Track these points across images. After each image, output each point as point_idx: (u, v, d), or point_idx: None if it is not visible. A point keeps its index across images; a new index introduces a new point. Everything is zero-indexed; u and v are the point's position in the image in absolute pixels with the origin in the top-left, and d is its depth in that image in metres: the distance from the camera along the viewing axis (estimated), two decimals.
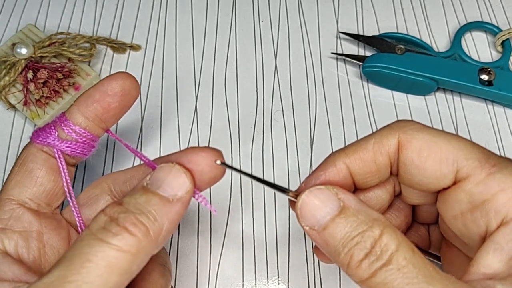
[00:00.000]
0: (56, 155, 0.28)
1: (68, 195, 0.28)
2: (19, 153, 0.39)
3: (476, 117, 0.41)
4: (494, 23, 0.45)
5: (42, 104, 0.39)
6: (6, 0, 0.46)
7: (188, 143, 0.40)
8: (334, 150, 0.39)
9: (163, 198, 0.23)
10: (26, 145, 0.29)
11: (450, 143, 0.24)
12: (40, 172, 0.28)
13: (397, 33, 0.44)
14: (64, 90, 0.40)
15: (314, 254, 0.29)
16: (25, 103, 0.39)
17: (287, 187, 0.38)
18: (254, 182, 0.38)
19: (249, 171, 0.25)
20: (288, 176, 0.38)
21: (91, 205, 0.29)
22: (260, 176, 0.25)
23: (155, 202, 0.23)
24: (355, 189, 0.27)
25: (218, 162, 0.24)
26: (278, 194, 0.37)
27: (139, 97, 0.42)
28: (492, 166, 0.23)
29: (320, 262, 0.35)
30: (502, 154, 0.39)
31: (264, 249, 0.36)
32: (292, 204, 0.26)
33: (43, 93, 0.39)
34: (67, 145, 0.28)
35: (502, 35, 0.43)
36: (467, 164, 0.24)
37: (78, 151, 0.29)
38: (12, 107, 0.40)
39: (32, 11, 0.46)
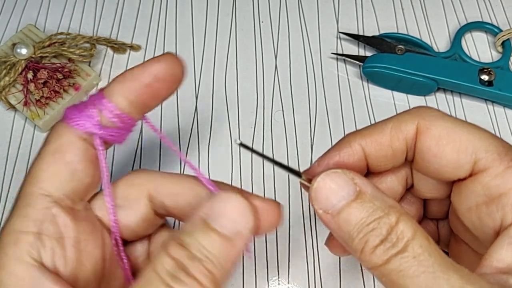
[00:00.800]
0: (98, 145, 0.24)
1: (107, 198, 0.25)
2: (19, 154, 0.39)
3: (476, 117, 0.41)
4: (494, 23, 0.45)
5: (42, 105, 0.39)
6: (6, 0, 0.46)
7: (188, 143, 0.40)
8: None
9: (226, 239, 0.22)
10: (59, 127, 0.25)
11: (470, 133, 0.24)
12: (80, 166, 0.24)
13: (397, 33, 0.44)
14: (64, 91, 0.40)
15: (326, 247, 0.28)
16: (25, 104, 0.39)
17: (288, 187, 0.38)
18: (254, 181, 0.38)
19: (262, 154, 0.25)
20: (288, 176, 0.38)
21: (127, 209, 0.26)
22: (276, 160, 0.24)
23: (219, 245, 0.21)
24: (368, 172, 0.27)
25: (238, 141, 0.23)
26: (278, 192, 0.37)
27: None
28: (511, 160, 0.23)
29: (321, 262, 0.35)
30: None
31: (264, 249, 0.35)
32: (305, 187, 0.25)
33: (43, 93, 0.39)
34: (110, 133, 0.24)
35: (502, 35, 0.43)
36: (486, 156, 0.23)
37: (119, 139, 0.25)
38: (12, 107, 0.40)
39: (32, 11, 0.46)
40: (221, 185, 0.26)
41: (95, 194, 0.26)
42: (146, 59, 0.43)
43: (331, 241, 0.28)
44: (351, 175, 0.23)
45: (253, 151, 0.24)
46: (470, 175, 0.24)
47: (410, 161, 0.26)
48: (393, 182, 0.28)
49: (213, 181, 0.25)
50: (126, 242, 0.28)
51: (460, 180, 0.24)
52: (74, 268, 0.23)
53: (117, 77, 0.25)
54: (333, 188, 0.23)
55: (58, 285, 0.22)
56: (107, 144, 0.26)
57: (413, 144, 0.25)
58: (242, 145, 0.23)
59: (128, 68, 0.43)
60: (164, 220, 0.29)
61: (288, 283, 0.35)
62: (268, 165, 0.39)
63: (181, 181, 0.26)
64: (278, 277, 0.35)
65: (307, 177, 0.25)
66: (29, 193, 0.24)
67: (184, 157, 0.26)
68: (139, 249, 0.28)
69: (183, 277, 0.20)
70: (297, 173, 0.25)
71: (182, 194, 0.26)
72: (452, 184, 0.26)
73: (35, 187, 0.23)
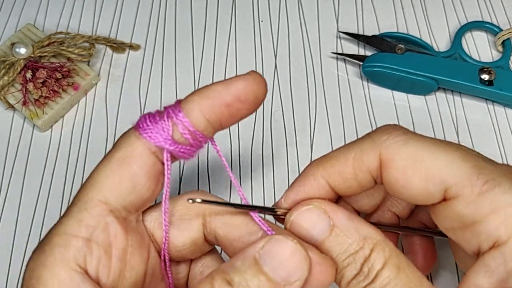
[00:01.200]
0: (165, 161, 0.23)
1: (163, 215, 0.24)
2: (17, 153, 0.39)
3: (476, 117, 0.41)
4: (495, 22, 0.45)
5: (41, 104, 0.39)
6: (5, 0, 0.46)
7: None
8: (333, 149, 0.39)
9: (275, 285, 0.20)
10: (130, 135, 0.24)
11: (437, 159, 0.22)
12: (144, 180, 0.23)
13: (397, 32, 0.44)
14: (63, 90, 0.40)
15: None
16: (24, 103, 0.39)
17: (288, 187, 0.38)
18: (255, 183, 0.38)
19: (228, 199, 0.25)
20: (288, 176, 0.38)
21: (180, 227, 0.25)
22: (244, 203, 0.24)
23: None
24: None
25: (191, 201, 0.23)
26: (277, 193, 0.37)
27: (138, 97, 0.41)
28: (483, 184, 0.22)
29: None
30: (503, 154, 0.39)
31: None
32: (280, 220, 0.25)
33: (42, 93, 0.39)
34: (181, 150, 0.23)
35: (503, 35, 0.43)
36: (456, 183, 0.22)
37: (187, 156, 0.24)
38: (11, 107, 0.40)
39: (31, 10, 0.46)
40: (277, 229, 0.24)
41: (149, 207, 0.26)
42: (145, 59, 0.43)
43: None
44: (323, 207, 0.23)
45: (218, 203, 0.24)
46: (444, 200, 0.23)
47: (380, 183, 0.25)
48: (372, 193, 0.28)
49: (266, 221, 0.24)
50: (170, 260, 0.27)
51: (434, 204, 0.24)
52: (115, 280, 0.23)
53: (198, 90, 0.24)
54: (306, 227, 0.23)
55: None
56: (174, 159, 0.25)
57: (379, 173, 0.24)
58: (204, 201, 0.23)
59: (127, 67, 0.43)
60: (211, 247, 0.28)
61: None
62: (268, 165, 0.39)
63: (239, 214, 0.25)
64: None
65: (280, 211, 0.24)
66: (88, 198, 0.23)
67: (242, 192, 0.25)
68: (182, 269, 0.28)
69: None
70: (271, 210, 0.25)
71: (236, 227, 0.25)
72: None
73: (95, 193, 0.23)
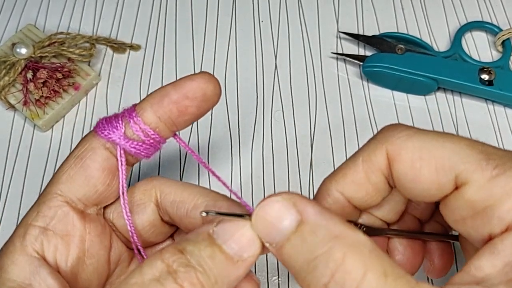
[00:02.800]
0: (118, 155, 0.25)
1: (123, 205, 0.26)
2: (18, 153, 0.39)
3: (476, 117, 0.41)
4: (495, 22, 0.45)
5: (42, 104, 0.39)
6: (5, 0, 0.46)
7: (188, 142, 0.40)
8: (333, 149, 0.39)
9: (228, 258, 0.21)
10: (88, 134, 0.26)
11: (444, 148, 0.22)
12: (96, 172, 0.25)
13: (397, 33, 0.44)
14: (64, 90, 0.40)
15: None
16: (25, 103, 0.39)
17: (287, 187, 0.38)
18: (254, 181, 0.38)
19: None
20: (288, 176, 0.38)
21: (137, 213, 0.27)
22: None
23: (219, 261, 0.20)
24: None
25: (204, 214, 0.22)
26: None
27: (138, 97, 0.42)
28: (493, 168, 0.21)
29: None
30: None
31: None
32: None
33: (42, 93, 0.39)
34: (132, 145, 0.25)
35: (503, 35, 0.43)
36: (466, 168, 0.21)
37: (142, 153, 0.26)
38: (12, 107, 0.40)
39: (31, 11, 0.46)
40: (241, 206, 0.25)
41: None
42: (145, 59, 0.43)
43: None
44: (292, 200, 0.20)
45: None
46: (455, 189, 0.22)
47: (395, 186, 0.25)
48: (392, 199, 0.26)
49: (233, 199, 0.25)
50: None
51: (446, 196, 0.23)
52: (75, 265, 0.24)
53: (151, 92, 0.26)
54: (271, 220, 0.20)
55: (54, 278, 0.23)
56: (133, 158, 0.26)
57: (390, 172, 0.23)
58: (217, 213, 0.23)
59: (127, 68, 0.43)
60: (173, 228, 0.29)
61: (288, 283, 0.35)
62: (268, 166, 0.39)
63: (185, 190, 0.26)
64: (278, 277, 0.35)
65: None
66: (47, 192, 0.25)
67: (215, 173, 0.26)
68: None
69: (168, 284, 0.19)
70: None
71: (182, 203, 0.26)
72: None
73: (53, 187, 0.25)
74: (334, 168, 0.38)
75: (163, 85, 0.26)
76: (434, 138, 0.22)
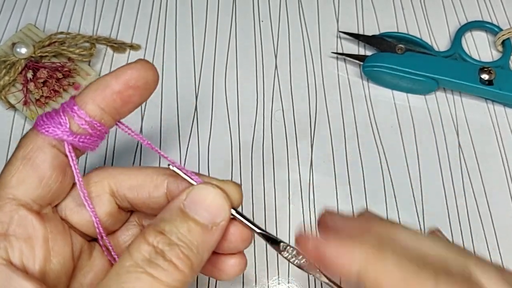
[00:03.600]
0: (68, 151, 0.25)
1: (83, 198, 0.26)
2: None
3: (476, 116, 0.41)
4: (495, 22, 0.45)
5: (42, 104, 0.39)
6: (6, 0, 0.46)
7: (188, 143, 0.40)
8: (334, 149, 0.39)
9: (204, 227, 0.23)
10: (30, 133, 0.25)
11: None
12: (48, 172, 0.25)
13: (398, 32, 0.44)
14: (64, 90, 0.40)
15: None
16: (25, 103, 0.39)
17: (288, 187, 0.38)
18: (255, 180, 0.38)
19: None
20: (288, 175, 0.38)
21: (93, 206, 0.27)
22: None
23: (196, 233, 0.23)
24: None
25: (233, 211, 0.25)
26: (278, 193, 0.37)
27: None
28: None
29: None
30: (503, 154, 0.39)
31: (264, 249, 0.35)
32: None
33: (43, 92, 0.39)
34: (81, 140, 0.25)
35: (503, 35, 0.43)
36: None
37: (90, 146, 0.26)
38: (12, 106, 0.40)
39: (32, 10, 0.46)
40: (201, 176, 0.26)
41: None
42: (145, 59, 0.43)
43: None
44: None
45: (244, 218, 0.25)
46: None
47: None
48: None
49: (192, 172, 0.26)
50: (96, 239, 0.28)
51: None
52: (42, 266, 0.24)
53: (89, 84, 0.26)
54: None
55: (27, 280, 0.23)
56: (79, 151, 0.26)
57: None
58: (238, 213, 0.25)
59: None
60: (128, 214, 0.29)
61: (288, 282, 0.35)
62: (269, 165, 0.39)
63: (140, 174, 0.27)
64: (278, 277, 0.35)
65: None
66: None
67: (163, 153, 0.27)
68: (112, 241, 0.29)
69: (161, 263, 0.21)
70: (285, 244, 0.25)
71: (142, 186, 0.26)
72: None
73: (2, 192, 0.24)
74: (334, 167, 0.38)
75: (102, 76, 0.26)
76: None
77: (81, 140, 0.25)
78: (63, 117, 0.25)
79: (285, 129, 0.40)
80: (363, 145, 0.39)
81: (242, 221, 0.25)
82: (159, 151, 0.27)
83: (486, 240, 0.36)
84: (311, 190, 0.38)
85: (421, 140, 0.40)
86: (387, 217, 0.37)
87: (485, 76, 0.40)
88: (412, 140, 0.40)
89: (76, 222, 0.27)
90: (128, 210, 0.29)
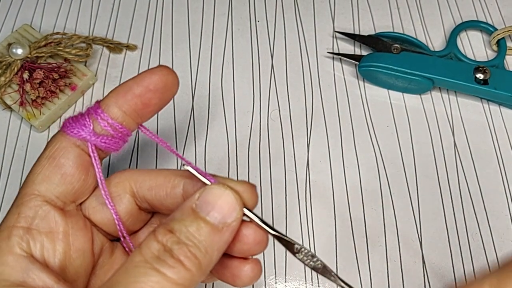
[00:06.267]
0: (91, 151, 0.26)
1: (104, 197, 0.27)
2: (15, 154, 0.39)
3: (471, 116, 0.41)
4: (490, 22, 0.45)
5: (38, 105, 0.39)
6: (1, 0, 0.46)
7: (185, 143, 0.40)
8: (330, 149, 0.39)
9: (214, 227, 0.23)
10: (57, 135, 0.27)
11: None
12: (71, 170, 0.26)
13: (393, 32, 0.44)
14: (60, 91, 0.40)
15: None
16: (21, 104, 0.39)
17: (284, 186, 0.38)
18: (251, 180, 0.38)
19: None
20: (285, 175, 0.38)
21: (114, 205, 0.28)
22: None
23: (206, 232, 0.23)
24: None
25: (184, 167, 0.25)
26: (275, 192, 0.38)
27: None
28: None
29: None
30: (498, 153, 0.40)
31: None
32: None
33: (39, 93, 0.39)
34: (103, 140, 0.26)
35: (498, 34, 0.43)
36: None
37: (112, 147, 0.27)
38: (8, 107, 0.40)
39: (27, 11, 0.46)
40: (216, 177, 0.27)
41: None
42: (142, 59, 0.43)
43: None
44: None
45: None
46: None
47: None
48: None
49: (210, 174, 0.26)
50: (118, 239, 0.29)
51: None
52: (62, 260, 0.25)
53: (113, 88, 0.27)
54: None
55: (45, 272, 0.24)
56: (103, 153, 0.27)
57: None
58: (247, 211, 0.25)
59: (124, 68, 0.43)
60: (149, 215, 0.30)
61: (285, 281, 0.35)
62: (265, 165, 0.39)
63: (159, 175, 0.28)
64: (275, 276, 0.35)
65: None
66: (23, 193, 0.26)
67: (181, 155, 0.27)
68: (134, 242, 0.30)
69: (168, 260, 0.22)
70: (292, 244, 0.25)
71: (160, 186, 0.27)
72: None
73: (29, 188, 0.26)
74: (330, 167, 0.38)
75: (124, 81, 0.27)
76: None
77: (103, 141, 0.26)
78: (87, 119, 0.26)
79: (282, 129, 0.40)
80: (359, 145, 0.40)
81: (256, 222, 0.25)
82: (176, 152, 0.28)
83: (481, 238, 0.36)
84: (308, 189, 0.38)
85: (416, 140, 0.40)
86: (383, 216, 0.37)
87: (480, 76, 0.40)
88: (408, 140, 0.40)
89: (98, 221, 0.28)
90: (148, 211, 0.29)
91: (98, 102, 0.27)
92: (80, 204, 0.28)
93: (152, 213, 0.30)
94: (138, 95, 0.27)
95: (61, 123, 0.27)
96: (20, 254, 0.24)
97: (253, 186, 0.26)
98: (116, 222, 0.27)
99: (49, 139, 0.40)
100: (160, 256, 0.22)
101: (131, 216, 0.28)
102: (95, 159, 0.27)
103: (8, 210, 0.26)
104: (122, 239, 0.28)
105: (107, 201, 0.27)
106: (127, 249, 0.29)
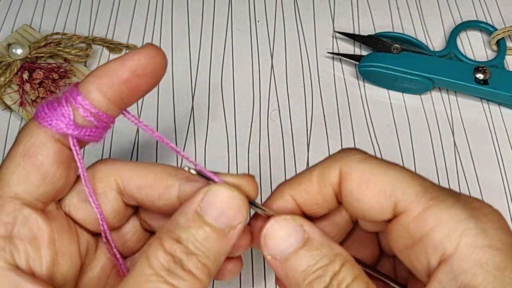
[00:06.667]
0: (72, 145, 0.23)
1: (89, 195, 0.24)
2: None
3: (471, 116, 0.41)
4: (489, 22, 0.45)
5: (38, 105, 0.39)
6: (1, 1, 0.46)
7: (185, 143, 0.40)
8: (330, 149, 0.39)
9: (221, 233, 0.22)
10: (30, 125, 0.23)
11: (388, 175, 0.23)
12: (52, 169, 0.23)
13: (393, 32, 0.44)
14: (60, 91, 0.40)
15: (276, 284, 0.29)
16: (21, 104, 0.39)
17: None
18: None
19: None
20: (285, 175, 0.38)
21: (99, 203, 0.26)
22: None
23: (213, 240, 0.22)
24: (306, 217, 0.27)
25: (186, 168, 0.24)
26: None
27: None
28: (429, 200, 0.22)
29: None
30: (498, 153, 0.40)
31: None
32: (256, 230, 0.25)
33: (39, 93, 0.39)
34: (86, 133, 0.23)
35: (497, 34, 0.43)
36: (404, 198, 0.23)
37: (95, 138, 0.24)
38: (8, 107, 0.40)
39: (27, 11, 0.46)
40: (218, 175, 0.25)
41: None
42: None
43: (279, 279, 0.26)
44: (300, 222, 0.23)
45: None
46: (395, 217, 0.24)
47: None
48: (337, 217, 0.28)
49: (211, 172, 0.25)
50: (100, 234, 0.27)
51: (389, 221, 0.24)
52: (50, 268, 0.23)
53: (93, 71, 0.24)
54: (282, 235, 0.23)
55: (35, 284, 0.22)
56: (82, 143, 0.24)
57: (339, 189, 0.25)
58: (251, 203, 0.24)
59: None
60: (134, 210, 0.28)
61: None
62: (265, 165, 0.39)
63: (150, 173, 0.25)
64: (275, 275, 0.35)
65: (268, 212, 0.25)
66: None
67: (179, 150, 0.25)
68: (115, 236, 0.28)
69: (180, 272, 0.21)
70: (261, 209, 0.25)
71: (151, 187, 0.25)
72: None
73: (4, 190, 0.23)
74: None
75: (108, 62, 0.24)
76: (382, 166, 0.24)
77: (86, 133, 0.23)
78: (66, 108, 0.22)
79: (282, 129, 0.40)
80: (359, 144, 0.40)
81: (262, 211, 0.25)
82: (170, 144, 0.25)
83: None
84: None
85: (416, 140, 0.40)
86: None
87: (480, 76, 0.40)
88: (407, 140, 0.40)
89: (80, 219, 0.26)
90: (134, 206, 0.28)
91: (76, 85, 0.23)
92: (59, 200, 0.25)
93: (136, 207, 0.28)
94: (125, 80, 0.23)
95: (35, 111, 0.24)
96: (5, 267, 0.22)
97: (252, 177, 0.25)
98: (101, 222, 0.25)
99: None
100: (171, 268, 0.21)
101: (118, 214, 0.26)
102: (77, 154, 0.23)
103: None
104: (104, 239, 0.26)
105: (92, 202, 0.25)
106: (109, 251, 0.27)
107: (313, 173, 0.25)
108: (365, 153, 0.25)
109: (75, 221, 0.26)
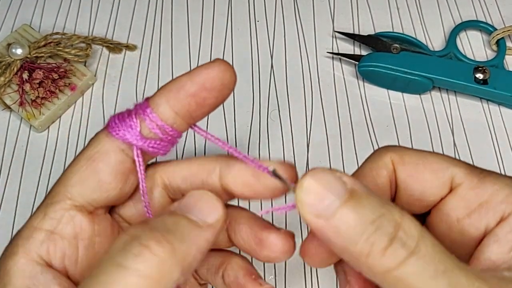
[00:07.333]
0: (135, 156, 0.24)
1: (146, 208, 0.24)
2: (14, 154, 0.39)
3: (471, 115, 0.41)
4: (489, 22, 0.45)
5: (38, 105, 0.39)
6: (1, 1, 0.46)
7: (185, 142, 0.40)
8: (330, 148, 0.39)
9: (193, 222, 0.21)
10: (101, 134, 0.24)
11: (438, 156, 0.25)
12: (109, 178, 0.23)
13: (393, 32, 0.44)
14: (60, 91, 0.40)
15: (301, 257, 0.27)
16: (21, 104, 0.39)
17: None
18: None
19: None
20: None
21: (141, 201, 0.25)
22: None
23: (183, 224, 0.20)
24: None
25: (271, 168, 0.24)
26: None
27: (135, 98, 0.42)
28: (480, 173, 0.24)
29: None
30: (498, 152, 0.40)
31: None
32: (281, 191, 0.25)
33: (38, 93, 0.39)
34: (150, 145, 0.23)
35: (497, 34, 0.43)
36: (460, 171, 0.24)
37: (160, 151, 0.24)
38: (8, 107, 0.40)
39: (27, 11, 0.46)
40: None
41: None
42: (141, 59, 0.43)
43: (308, 249, 0.25)
44: (338, 174, 0.21)
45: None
46: (449, 192, 0.24)
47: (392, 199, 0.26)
48: None
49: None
50: None
51: (443, 198, 0.24)
52: (85, 269, 0.23)
53: (164, 85, 0.24)
54: (323, 189, 0.20)
55: (59, 284, 0.22)
56: (148, 156, 0.25)
57: (394, 177, 0.25)
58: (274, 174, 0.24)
59: (123, 68, 0.43)
60: None
61: (285, 282, 0.35)
62: None
63: (192, 164, 0.26)
64: (275, 276, 0.35)
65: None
66: (56, 192, 0.24)
67: (248, 156, 0.26)
68: None
69: (133, 248, 0.19)
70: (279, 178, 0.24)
71: (195, 175, 0.25)
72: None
73: (62, 188, 0.24)
74: (330, 167, 0.38)
75: (176, 76, 0.24)
76: (428, 151, 0.25)
77: (150, 145, 0.23)
78: (134, 119, 0.23)
79: (281, 129, 0.40)
80: (358, 144, 0.40)
81: (281, 180, 0.24)
82: (240, 153, 0.25)
83: None
84: None
85: (416, 140, 0.40)
86: None
87: (479, 76, 0.40)
88: (407, 140, 0.40)
89: (128, 218, 0.26)
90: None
91: (147, 99, 0.24)
92: (114, 207, 0.26)
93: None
94: (193, 94, 0.23)
95: (106, 121, 0.24)
96: (35, 261, 0.22)
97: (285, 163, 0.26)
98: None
99: (49, 139, 0.40)
100: (125, 246, 0.19)
101: (163, 210, 0.26)
102: (139, 165, 0.24)
103: (38, 205, 0.24)
104: None
105: (147, 213, 0.25)
106: None
107: (366, 167, 0.25)
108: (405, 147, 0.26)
109: (123, 222, 0.26)
